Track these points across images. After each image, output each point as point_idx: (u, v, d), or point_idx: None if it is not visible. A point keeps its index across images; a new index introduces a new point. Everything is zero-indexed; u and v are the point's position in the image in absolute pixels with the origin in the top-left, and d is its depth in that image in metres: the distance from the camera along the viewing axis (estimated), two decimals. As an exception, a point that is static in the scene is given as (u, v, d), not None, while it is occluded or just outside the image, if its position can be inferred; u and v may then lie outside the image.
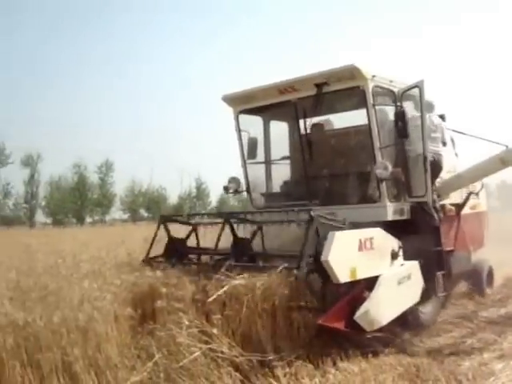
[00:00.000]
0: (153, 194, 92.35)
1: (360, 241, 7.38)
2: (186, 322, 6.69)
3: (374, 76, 8.96)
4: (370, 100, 8.91)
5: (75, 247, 15.42)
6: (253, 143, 11.25)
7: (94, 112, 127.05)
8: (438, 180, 10.16)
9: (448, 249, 10.16)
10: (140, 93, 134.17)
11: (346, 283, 7.08)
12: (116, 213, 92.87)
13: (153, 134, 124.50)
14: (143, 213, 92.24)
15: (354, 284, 7.25)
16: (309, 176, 10.07)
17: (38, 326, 5.75)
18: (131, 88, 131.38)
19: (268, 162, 11.41)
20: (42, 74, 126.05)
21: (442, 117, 11.24)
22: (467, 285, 11.96)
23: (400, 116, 8.94)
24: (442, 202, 10.35)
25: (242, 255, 8.38)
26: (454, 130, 11.69)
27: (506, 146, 10.59)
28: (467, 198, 11.34)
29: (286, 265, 7.21)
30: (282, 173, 11.41)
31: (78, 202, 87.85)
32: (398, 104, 9.32)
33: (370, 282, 7.40)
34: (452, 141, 11.89)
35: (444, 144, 10.64)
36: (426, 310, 9.26)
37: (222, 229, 8.59)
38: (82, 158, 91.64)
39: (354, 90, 9.10)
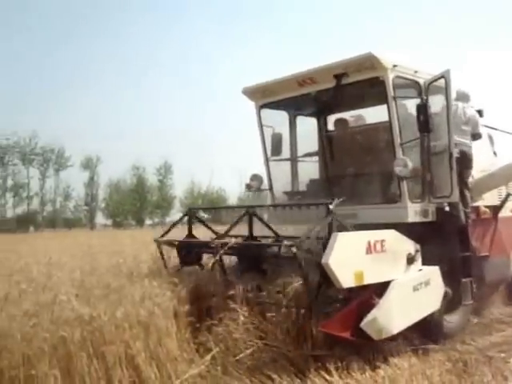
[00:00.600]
0: (212, 196, 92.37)
1: (369, 243, 6.94)
2: (242, 319, 6.96)
3: (395, 66, 8.31)
4: (391, 92, 8.29)
5: (135, 248, 15.81)
6: (277, 139, 10.70)
7: (152, 115, 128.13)
8: (470, 180, 9.46)
9: (482, 254, 9.61)
10: (197, 95, 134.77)
11: (354, 288, 6.78)
12: (176, 214, 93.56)
13: (213, 135, 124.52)
14: (202, 214, 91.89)
15: (362, 289, 6.88)
16: (330, 174, 9.65)
17: (103, 321, 6.05)
18: (188, 91, 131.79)
19: (290, 160, 10.84)
20: (105, 76, 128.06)
21: (479, 112, 10.39)
22: (507, 293, 11.16)
23: (422, 109, 8.19)
24: (475, 204, 9.76)
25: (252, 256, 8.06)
26: (489, 127, 10.93)
27: None
28: (505, 200, 10.65)
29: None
30: (306, 171, 10.79)
31: (138, 203, 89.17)
32: (423, 96, 8.67)
33: (382, 288, 7.01)
34: (490, 138, 11.22)
35: (475, 137, 9.66)
36: (452, 318, 8.69)
37: (236, 222, 8.48)
38: (141, 160, 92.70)
39: (374, 81, 8.43)
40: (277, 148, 10.65)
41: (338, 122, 10.26)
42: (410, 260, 7.57)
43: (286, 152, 10.75)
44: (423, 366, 6.78)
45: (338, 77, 8.63)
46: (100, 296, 6.77)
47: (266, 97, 10.11)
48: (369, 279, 6.81)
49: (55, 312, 6.03)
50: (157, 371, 6.24)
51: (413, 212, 8.42)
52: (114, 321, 6.16)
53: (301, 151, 10.80)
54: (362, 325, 6.67)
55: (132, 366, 6.13)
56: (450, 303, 8.36)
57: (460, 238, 8.77)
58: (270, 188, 10.53)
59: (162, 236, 9.21)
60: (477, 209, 9.94)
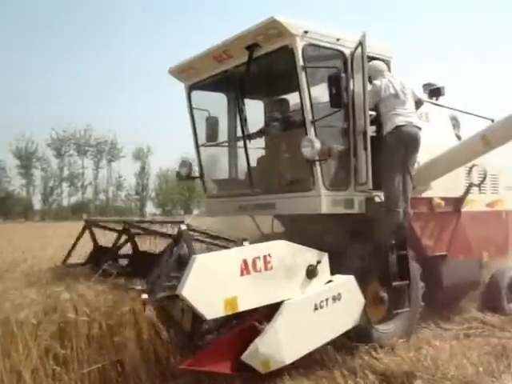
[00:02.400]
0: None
1: (244, 262, 5.73)
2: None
3: (305, 32, 7.15)
4: (300, 61, 7.13)
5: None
6: (212, 123, 9.45)
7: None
8: (416, 166, 7.97)
9: (436, 254, 8.63)
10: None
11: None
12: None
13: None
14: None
15: (249, 313, 5.85)
16: (252, 161, 8.55)
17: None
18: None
19: (218, 145, 9.63)
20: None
21: (439, 90, 9.52)
22: (482, 299, 9.71)
23: (333, 80, 6.95)
24: (426, 195, 8.52)
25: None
26: (452, 108, 9.82)
27: (492, 121, 9.01)
28: (467, 191, 9.21)
29: (138, 287, 6.00)
30: (241, 157, 9.05)
31: (186, 193, 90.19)
32: (335, 66, 7.38)
33: (274, 310, 5.98)
34: (455, 120, 9.86)
35: (418, 105, 8.03)
36: (387, 327, 7.60)
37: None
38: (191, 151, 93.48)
39: (284, 51, 7.27)
40: (212, 133, 9.48)
41: (276, 103, 9.07)
42: (311, 273, 6.37)
43: (219, 137, 9.61)
44: (463, 348, 7.21)
45: (249, 48, 7.60)
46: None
47: (192, 76, 8.96)
48: (246, 305, 5.73)
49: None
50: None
51: (329, 202, 7.31)
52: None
53: (238, 136, 9.14)
54: (244, 357, 5.75)
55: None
56: (389, 310, 7.62)
57: (396, 234, 7.55)
58: (201, 176, 9.51)
59: (65, 260, 7.92)
60: (429, 201, 8.71)
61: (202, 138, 9.45)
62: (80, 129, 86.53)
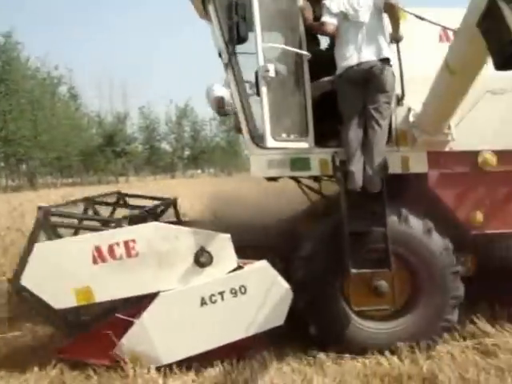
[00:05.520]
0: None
1: (97, 249, 5.12)
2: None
3: None
4: None
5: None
6: None
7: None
8: (415, 112, 5.74)
9: (488, 231, 5.86)
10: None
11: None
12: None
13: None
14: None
15: (135, 301, 5.31)
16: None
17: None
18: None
19: None
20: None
21: None
22: None
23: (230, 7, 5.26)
24: (464, 147, 5.75)
25: None
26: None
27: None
28: None
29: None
30: None
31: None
32: None
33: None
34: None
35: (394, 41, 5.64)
36: (385, 326, 5.72)
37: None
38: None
39: None
40: None
41: None
42: (200, 259, 5.29)
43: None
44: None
45: None
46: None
47: None
48: (105, 296, 5.22)
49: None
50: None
51: (262, 163, 5.66)
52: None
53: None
54: (115, 350, 5.22)
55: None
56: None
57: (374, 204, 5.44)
58: None
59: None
60: (471, 156, 5.86)
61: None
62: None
